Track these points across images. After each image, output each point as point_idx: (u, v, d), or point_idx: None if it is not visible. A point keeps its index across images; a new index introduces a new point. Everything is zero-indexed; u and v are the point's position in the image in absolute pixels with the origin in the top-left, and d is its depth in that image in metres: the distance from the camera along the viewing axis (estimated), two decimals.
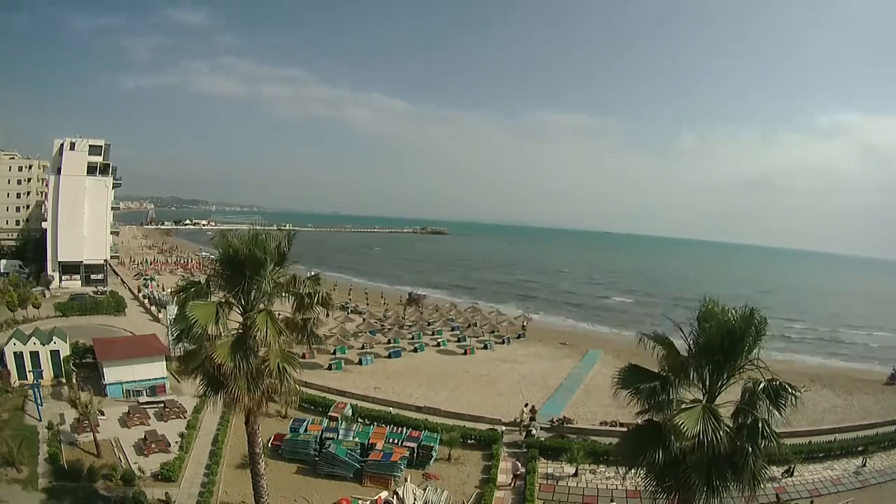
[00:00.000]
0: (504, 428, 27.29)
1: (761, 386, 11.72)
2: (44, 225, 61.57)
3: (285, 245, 15.74)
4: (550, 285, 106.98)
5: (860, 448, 25.46)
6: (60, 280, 59.10)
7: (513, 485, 22.41)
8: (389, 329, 49.58)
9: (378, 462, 22.61)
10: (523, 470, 23.19)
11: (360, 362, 40.44)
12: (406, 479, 21.66)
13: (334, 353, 40.69)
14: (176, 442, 24.03)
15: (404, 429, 25.98)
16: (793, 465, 22.93)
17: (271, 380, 14.88)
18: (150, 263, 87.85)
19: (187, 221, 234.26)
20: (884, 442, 26.34)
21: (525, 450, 25.20)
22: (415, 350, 45.22)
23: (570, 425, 28.27)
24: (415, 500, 20.16)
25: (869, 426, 28.81)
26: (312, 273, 19.46)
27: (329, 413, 27.91)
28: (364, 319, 49.85)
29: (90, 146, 61.65)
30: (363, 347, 43.49)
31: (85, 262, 60.67)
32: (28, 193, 75.01)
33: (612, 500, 21.40)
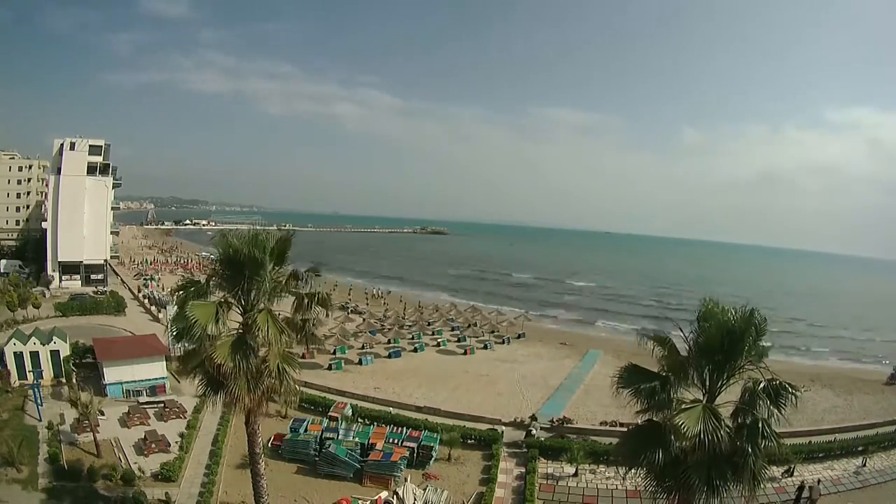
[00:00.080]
0: (504, 428, 27.28)
1: (761, 386, 11.76)
2: (44, 225, 61.52)
3: (285, 245, 15.72)
4: (550, 285, 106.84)
5: (860, 448, 25.47)
6: (60, 280, 59.06)
7: None
8: (389, 329, 49.63)
9: (378, 462, 22.60)
10: None
11: (360, 362, 40.44)
12: (406, 479, 21.66)
13: (334, 353, 40.66)
14: (176, 442, 24.02)
15: (404, 429, 25.98)
16: (793, 465, 22.95)
17: (271, 380, 14.88)
18: (150, 263, 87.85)
19: (187, 221, 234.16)
20: (884, 442, 26.35)
21: (525, 450, 25.21)
22: (415, 350, 45.24)
23: (570, 425, 28.28)
24: (415, 500, 20.15)
25: (869, 426, 28.83)
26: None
27: (329, 413, 27.91)
28: (364, 319, 49.88)
29: (90, 146, 61.58)
30: (363, 347, 43.52)
31: (85, 262, 60.64)
32: (28, 193, 74.97)
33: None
